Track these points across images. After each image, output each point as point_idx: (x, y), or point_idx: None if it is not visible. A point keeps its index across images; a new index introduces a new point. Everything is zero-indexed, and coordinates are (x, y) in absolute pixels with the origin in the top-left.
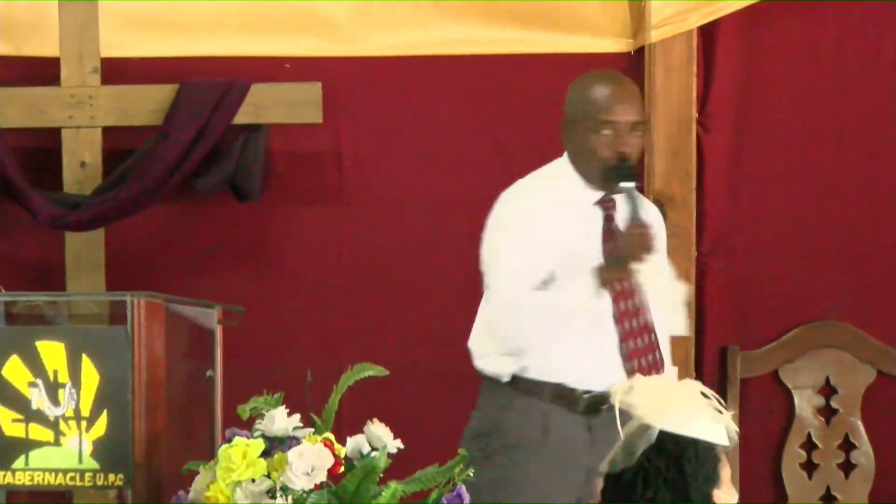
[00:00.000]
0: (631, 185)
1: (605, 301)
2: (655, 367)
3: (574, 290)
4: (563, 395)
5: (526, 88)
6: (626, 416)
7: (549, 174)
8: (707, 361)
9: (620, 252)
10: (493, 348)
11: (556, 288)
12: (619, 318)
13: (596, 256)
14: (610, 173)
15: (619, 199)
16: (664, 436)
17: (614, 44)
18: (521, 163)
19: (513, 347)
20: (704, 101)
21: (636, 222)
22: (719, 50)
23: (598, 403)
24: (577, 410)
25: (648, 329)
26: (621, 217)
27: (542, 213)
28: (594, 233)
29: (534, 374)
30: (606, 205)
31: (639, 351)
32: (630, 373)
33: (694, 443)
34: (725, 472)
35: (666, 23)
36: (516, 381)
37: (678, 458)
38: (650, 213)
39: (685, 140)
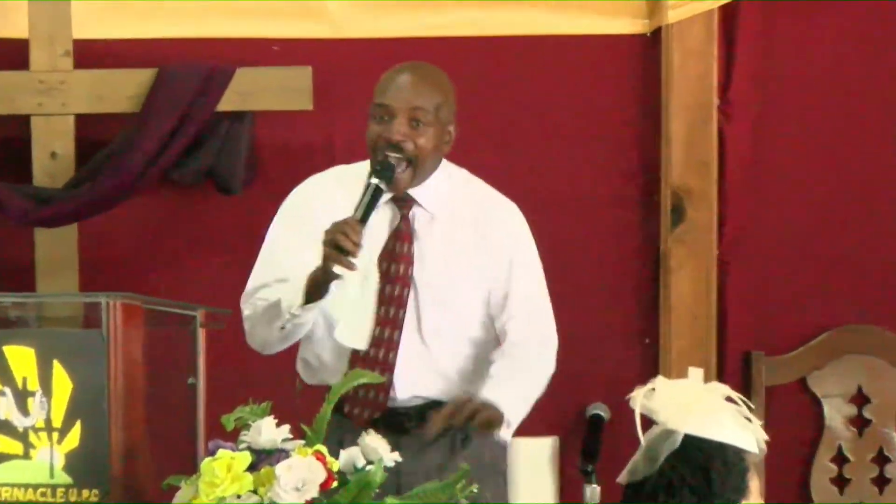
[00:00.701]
0: (375, 182)
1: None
2: (382, 365)
3: (289, 289)
4: (355, 413)
5: (535, 71)
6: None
7: (361, 167)
8: (729, 368)
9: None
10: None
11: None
12: (378, 321)
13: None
14: (375, 164)
15: (425, 196)
16: (689, 441)
17: (629, 25)
18: (530, 149)
19: (252, 346)
20: (726, 86)
21: (341, 221)
22: (742, 31)
23: (400, 421)
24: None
25: (393, 346)
26: (418, 218)
27: (326, 208)
28: (382, 231)
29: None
30: (404, 205)
31: (374, 362)
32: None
33: (721, 449)
34: (754, 482)
35: (684, 2)
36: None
37: (704, 466)
38: (487, 211)
39: (704, 129)
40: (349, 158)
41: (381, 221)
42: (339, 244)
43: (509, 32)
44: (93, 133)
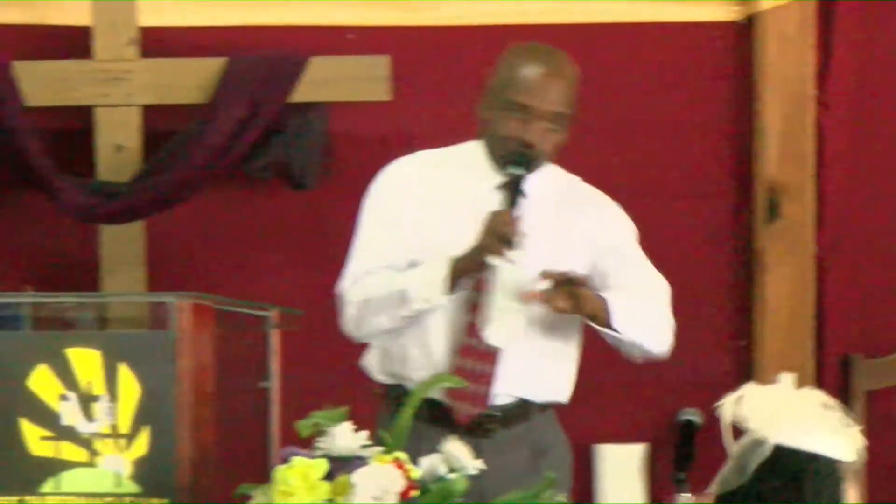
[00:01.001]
0: (519, 171)
1: (455, 297)
2: (480, 400)
3: (421, 276)
4: (439, 414)
5: (621, 61)
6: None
7: (455, 152)
8: (828, 371)
9: (479, 243)
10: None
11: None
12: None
13: None
14: (505, 157)
15: (529, 187)
16: (780, 451)
17: (721, 12)
18: (617, 141)
19: (351, 334)
20: (823, 75)
21: (502, 210)
22: (840, 17)
23: (482, 423)
24: (458, 432)
25: (492, 357)
26: (532, 205)
27: (429, 190)
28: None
29: (410, 386)
30: None
31: (468, 373)
32: (455, 370)
33: (814, 458)
34: (851, 492)
35: None
36: (394, 394)
37: (796, 476)
38: (594, 207)
39: (801, 120)
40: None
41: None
42: (505, 234)
43: (593, 20)
44: (159, 125)
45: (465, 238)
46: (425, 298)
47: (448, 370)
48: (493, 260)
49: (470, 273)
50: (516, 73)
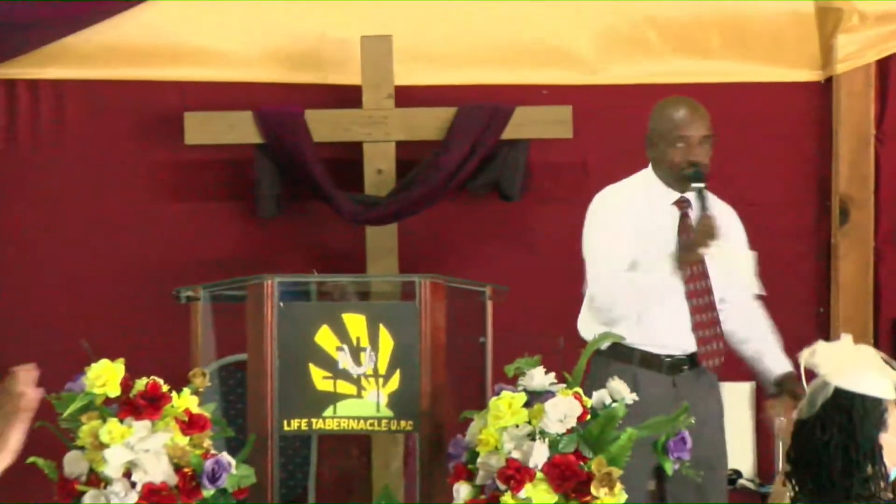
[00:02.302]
0: (700, 185)
1: (678, 281)
2: (715, 339)
3: (655, 272)
4: (648, 360)
5: (736, 110)
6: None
7: (637, 180)
8: (882, 331)
9: (692, 240)
10: (594, 325)
11: (640, 270)
12: (689, 295)
13: (671, 246)
14: (683, 177)
15: (692, 199)
16: (838, 391)
17: (807, 74)
18: (733, 169)
19: (608, 318)
20: (881, 120)
21: (704, 214)
22: (893, 78)
23: (679, 364)
24: (662, 371)
25: (712, 307)
26: (694, 213)
27: (628, 210)
28: (671, 227)
29: (626, 342)
30: (682, 204)
31: (703, 324)
32: (697, 342)
33: (861, 397)
34: (893, 418)
35: (849, 58)
36: (611, 350)
37: (848, 409)
38: (721, 208)
39: (865, 152)
40: (597, 173)
41: (668, 218)
42: (712, 233)
43: (717, 80)
44: (409, 155)
45: (661, 239)
46: (663, 285)
47: (696, 340)
48: (704, 250)
49: (689, 263)
50: (671, 116)
